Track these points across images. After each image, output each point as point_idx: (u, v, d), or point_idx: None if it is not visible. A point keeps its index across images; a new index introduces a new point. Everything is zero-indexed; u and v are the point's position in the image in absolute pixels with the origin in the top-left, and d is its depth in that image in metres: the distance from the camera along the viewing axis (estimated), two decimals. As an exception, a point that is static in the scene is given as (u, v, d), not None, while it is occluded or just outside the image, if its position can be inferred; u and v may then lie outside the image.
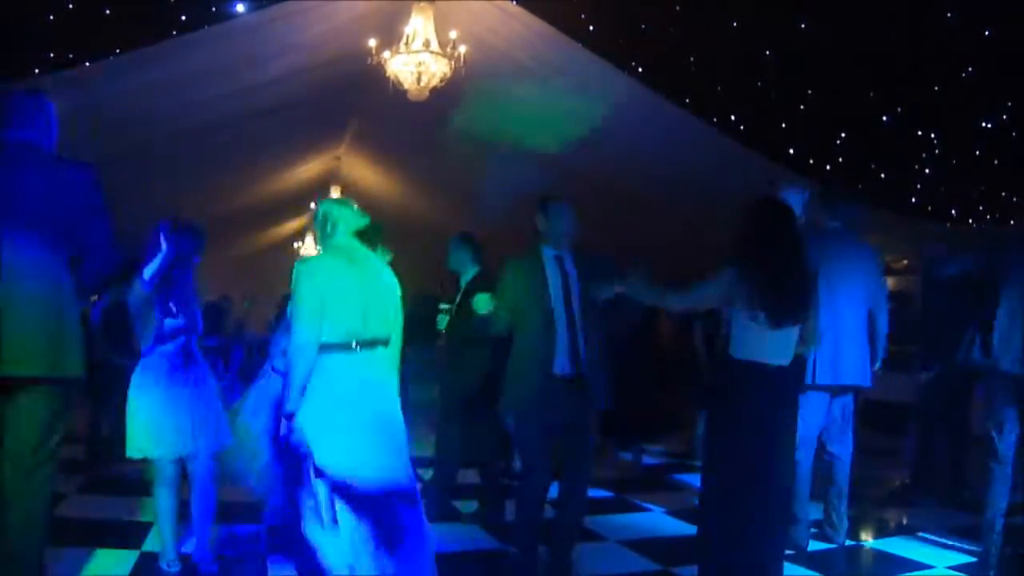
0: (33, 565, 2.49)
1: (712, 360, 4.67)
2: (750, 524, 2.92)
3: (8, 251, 2.46)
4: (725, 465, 3.00)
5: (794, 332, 3.00)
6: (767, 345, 2.93)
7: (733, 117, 8.24)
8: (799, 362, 3.87)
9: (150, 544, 3.70)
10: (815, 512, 4.25)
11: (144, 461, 3.38)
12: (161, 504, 3.38)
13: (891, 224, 8.15)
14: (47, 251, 2.54)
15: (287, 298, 3.45)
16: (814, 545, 4.10)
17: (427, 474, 4.97)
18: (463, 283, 4.80)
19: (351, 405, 2.85)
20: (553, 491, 3.57)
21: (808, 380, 3.99)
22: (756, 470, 2.91)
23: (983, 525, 3.76)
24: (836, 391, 4.15)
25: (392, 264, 3.26)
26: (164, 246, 3.23)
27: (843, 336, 4.02)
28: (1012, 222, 6.80)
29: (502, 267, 3.64)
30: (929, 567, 3.87)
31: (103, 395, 5.30)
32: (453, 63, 5.73)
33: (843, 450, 4.22)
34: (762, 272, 2.89)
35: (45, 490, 2.54)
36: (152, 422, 3.30)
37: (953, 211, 9.86)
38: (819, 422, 4.12)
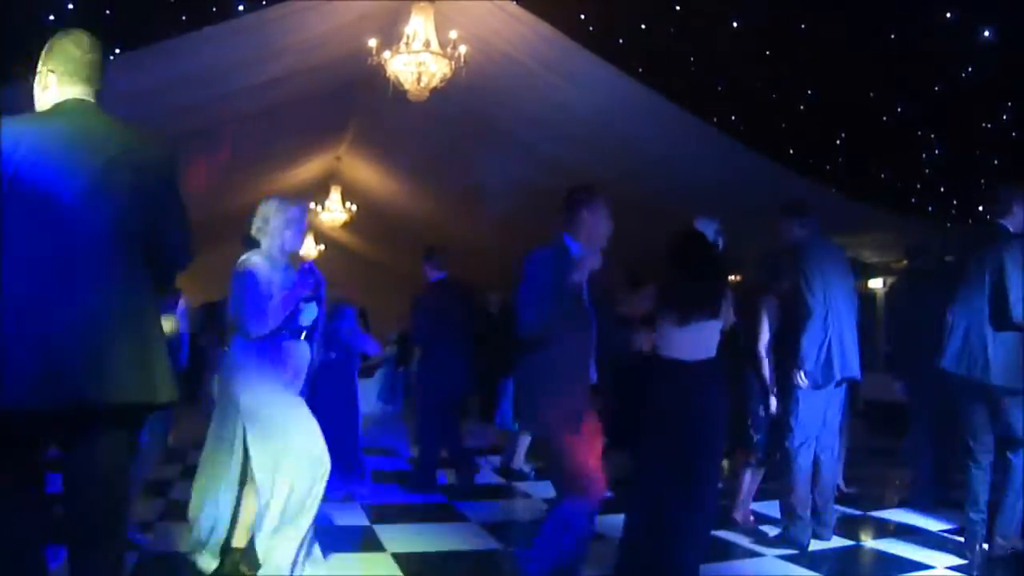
0: None
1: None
2: (658, 509, 3.14)
3: (87, 249, 1.97)
4: (641, 451, 3.33)
5: (708, 329, 3.32)
6: (683, 343, 3.29)
7: (733, 117, 8.22)
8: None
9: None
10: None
11: None
12: None
13: (891, 224, 8.16)
14: (126, 243, 2.05)
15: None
16: (814, 545, 4.10)
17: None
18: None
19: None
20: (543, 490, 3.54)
21: (815, 380, 4.02)
22: (666, 456, 3.17)
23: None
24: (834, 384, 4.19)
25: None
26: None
27: (839, 334, 4.10)
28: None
29: (525, 259, 3.15)
30: (929, 567, 3.88)
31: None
32: (453, 63, 5.73)
33: (831, 441, 4.26)
34: (672, 280, 3.41)
35: (126, 521, 2.18)
36: None
37: (953, 211, 9.86)
38: (816, 422, 4.13)
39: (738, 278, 6.62)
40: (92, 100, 2.16)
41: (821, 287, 4.06)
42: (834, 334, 4.07)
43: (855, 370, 4.18)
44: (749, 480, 4.48)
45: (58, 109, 2.12)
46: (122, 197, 2.04)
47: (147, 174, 2.12)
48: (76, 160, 2.00)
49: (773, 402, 4.28)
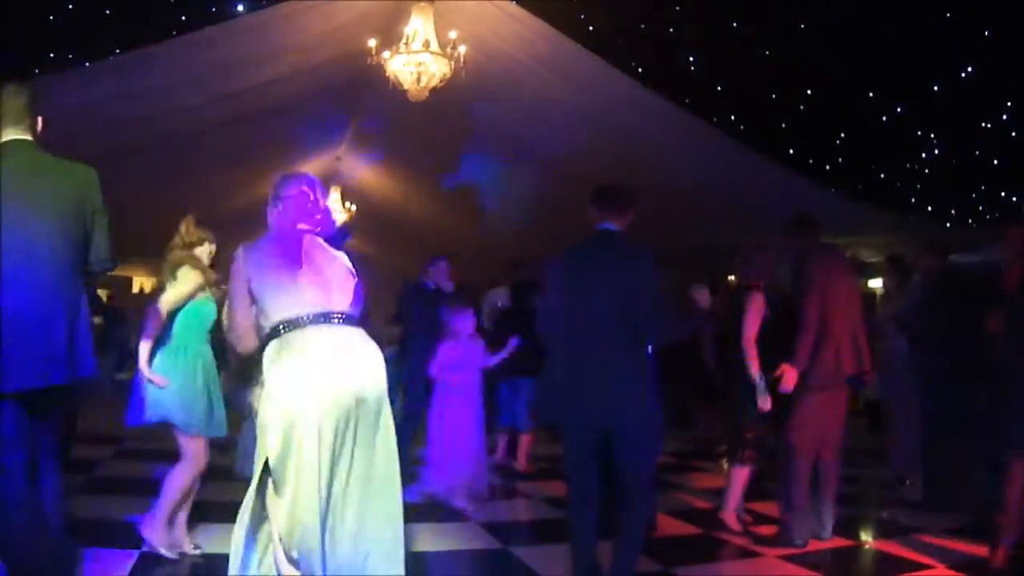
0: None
1: (720, 361, 4.72)
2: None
3: (31, 258, 2.47)
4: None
5: None
6: None
7: (733, 117, 8.24)
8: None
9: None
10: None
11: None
12: None
13: (891, 224, 8.16)
14: (66, 253, 2.57)
15: None
16: (814, 545, 4.10)
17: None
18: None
19: None
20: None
21: (820, 382, 4.03)
22: None
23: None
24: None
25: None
26: None
27: (841, 335, 4.10)
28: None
29: (648, 268, 3.40)
30: (929, 567, 3.88)
31: None
32: (453, 63, 5.73)
33: (832, 441, 4.25)
34: None
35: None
36: None
37: (953, 211, 9.88)
38: (816, 422, 4.13)
39: (731, 277, 6.63)
40: (31, 139, 2.62)
41: (822, 289, 4.07)
42: (837, 334, 4.08)
43: (859, 369, 4.17)
44: (737, 479, 4.43)
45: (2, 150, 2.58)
46: (64, 218, 2.56)
47: (80, 195, 2.62)
48: (25, 191, 2.50)
49: (763, 399, 4.22)
